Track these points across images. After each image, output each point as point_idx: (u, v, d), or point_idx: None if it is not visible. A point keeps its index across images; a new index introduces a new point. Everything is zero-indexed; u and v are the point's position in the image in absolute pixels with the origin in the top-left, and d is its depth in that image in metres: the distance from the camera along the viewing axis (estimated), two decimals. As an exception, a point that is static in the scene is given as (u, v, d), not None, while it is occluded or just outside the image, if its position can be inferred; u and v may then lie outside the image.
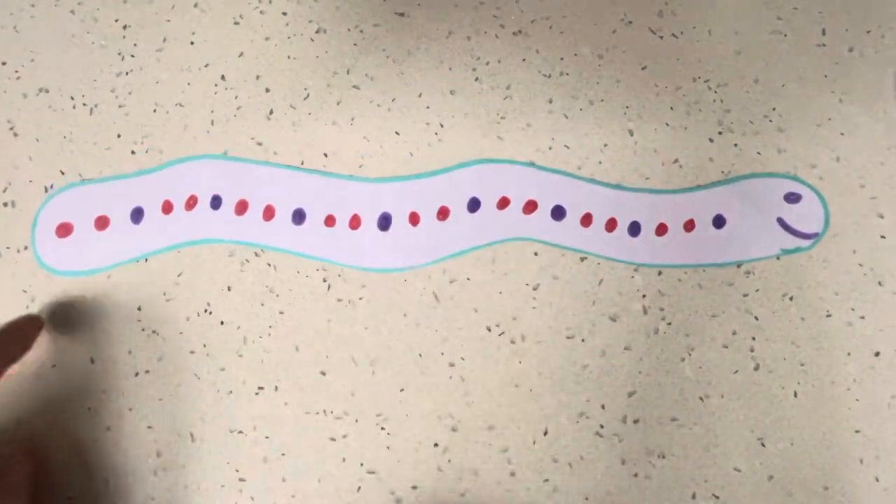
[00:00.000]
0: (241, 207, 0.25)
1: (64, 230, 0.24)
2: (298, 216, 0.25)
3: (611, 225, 0.25)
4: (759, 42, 0.26)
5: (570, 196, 0.25)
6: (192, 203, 0.25)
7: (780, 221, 0.25)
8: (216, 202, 0.25)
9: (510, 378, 0.24)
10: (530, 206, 0.25)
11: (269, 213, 0.25)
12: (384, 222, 0.25)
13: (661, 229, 0.25)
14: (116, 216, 0.25)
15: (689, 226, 0.25)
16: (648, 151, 0.25)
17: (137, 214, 0.25)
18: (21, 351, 0.23)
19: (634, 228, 0.25)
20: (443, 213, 0.25)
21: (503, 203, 0.25)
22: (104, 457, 0.23)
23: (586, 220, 0.25)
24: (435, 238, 0.25)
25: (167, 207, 0.25)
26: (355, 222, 0.25)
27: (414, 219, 0.25)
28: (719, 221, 0.25)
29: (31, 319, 0.24)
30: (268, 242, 0.24)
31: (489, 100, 0.26)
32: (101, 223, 0.25)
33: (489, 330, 0.24)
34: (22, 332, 0.23)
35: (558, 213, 0.25)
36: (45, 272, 0.24)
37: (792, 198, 0.25)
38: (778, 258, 0.25)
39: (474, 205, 0.25)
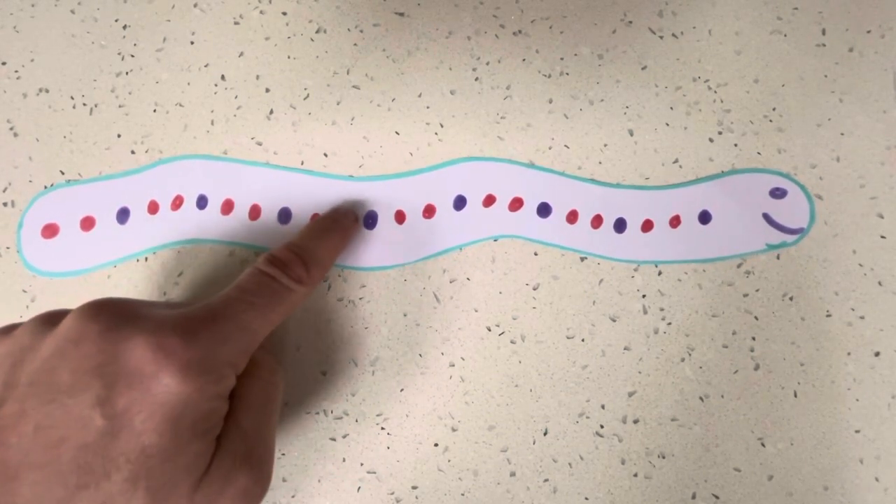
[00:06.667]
0: (227, 207, 0.25)
1: (50, 231, 0.24)
2: (284, 215, 0.25)
3: (596, 221, 0.25)
4: (759, 42, 0.26)
5: (556, 193, 0.25)
6: (178, 203, 0.25)
7: (766, 217, 0.25)
8: (202, 202, 0.25)
9: (510, 378, 0.24)
10: (516, 204, 0.25)
11: (255, 212, 0.25)
12: (370, 221, 0.25)
13: (647, 225, 0.25)
14: (102, 217, 0.24)
15: (675, 222, 0.25)
16: (648, 151, 0.25)
17: (123, 215, 0.25)
18: (345, 243, 0.23)
19: (620, 225, 0.25)
20: (429, 211, 0.25)
21: (489, 200, 0.25)
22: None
23: (572, 216, 0.25)
24: (421, 236, 0.25)
25: (153, 207, 0.25)
26: None
27: (400, 217, 0.25)
28: (705, 217, 0.25)
29: (348, 212, 0.24)
30: (255, 241, 0.24)
31: (489, 100, 0.26)
32: (87, 224, 0.24)
33: (489, 330, 0.24)
34: (344, 220, 0.23)
35: (544, 210, 0.25)
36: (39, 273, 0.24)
37: (777, 193, 0.25)
38: (778, 257, 0.25)
39: (460, 202, 0.25)
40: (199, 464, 0.16)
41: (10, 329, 0.18)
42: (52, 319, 0.17)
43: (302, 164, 0.25)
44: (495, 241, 0.25)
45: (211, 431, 0.17)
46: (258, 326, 0.19)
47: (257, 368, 0.19)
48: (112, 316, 0.17)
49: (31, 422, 0.15)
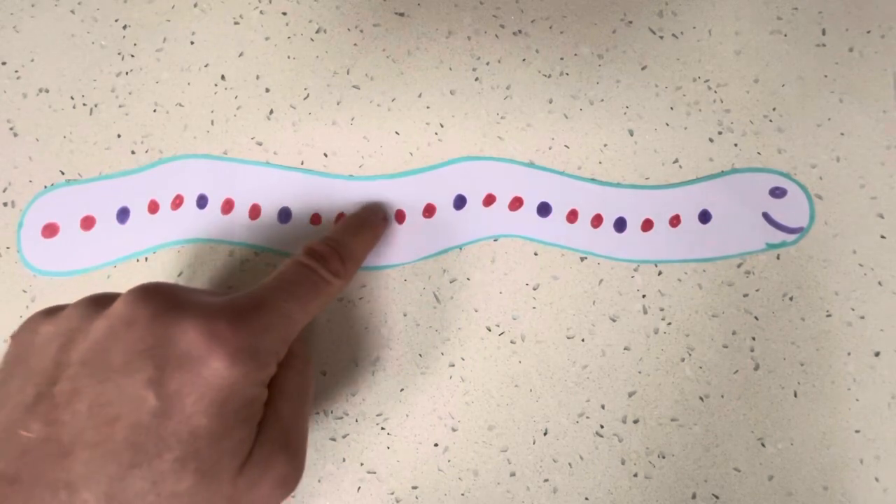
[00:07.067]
0: (227, 207, 0.25)
1: (50, 231, 0.24)
2: (284, 215, 0.25)
3: (596, 221, 0.25)
4: (759, 42, 0.26)
5: (556, 192, 0.25)
6: (178, 203, 0.25)
7: (766, 216, 0.25)
8: (202, 201, 0.25)
9: (510, 378, 0.24)
10: (516, 203, 0.25)
11: (254, 212, 0.25)
12: None
13: (647, 225, 0.25)
14: (102, 216, 0.24)
15: (675, 221, 0.25)
16: (648, 151, 0.25)
17: (123, 214, 0.25)
18: (375, 241, 0.24)
19: (620, 224, 0.25)
20: (428, 211, 0.25)
21: (489, 200, 0.25)
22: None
23: (572, 216, 0.25)
24: (421, 236, 0.25)
25: (153, 207, 0.25)
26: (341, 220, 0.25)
27: (400, 216, 0.25)
28: (705, 216, 0.25)
29: (378, 210, 0.24)
30: (255, 241, 0.24)
31: (489, 100, 0.26)
32: (87, 223, 0.24)
33: (489, 330, 0.24)
34: (374, 218, 0.24)
35: (544, 209, 0.25)
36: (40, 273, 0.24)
37: (777, 192, 0.25)
38: (778, 257, 0.25)
39: (460, 202, 0.25)
40: (243, 449, 0.17)
41: (57, 310, 0.18)
42: (100, 301, 0.18)
43: (302, 164, 0.25)
44: (495, 240, 0.25)
45: (253, 418, 0.17)
46: (299, 316, 0.19)
47: (293, 358, 0.20)
48: (163, 300, 0.17)
49: (85, 400, 0.15)
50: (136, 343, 0.16)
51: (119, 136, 0.25)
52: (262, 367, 0.17)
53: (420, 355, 0.24)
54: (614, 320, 0.24)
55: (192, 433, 0.16)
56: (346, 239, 0.22)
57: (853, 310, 0.24)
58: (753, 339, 0.24)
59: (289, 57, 0.26)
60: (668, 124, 0.25)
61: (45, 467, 0.15)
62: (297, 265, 0.20)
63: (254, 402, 0.17)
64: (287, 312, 0.18)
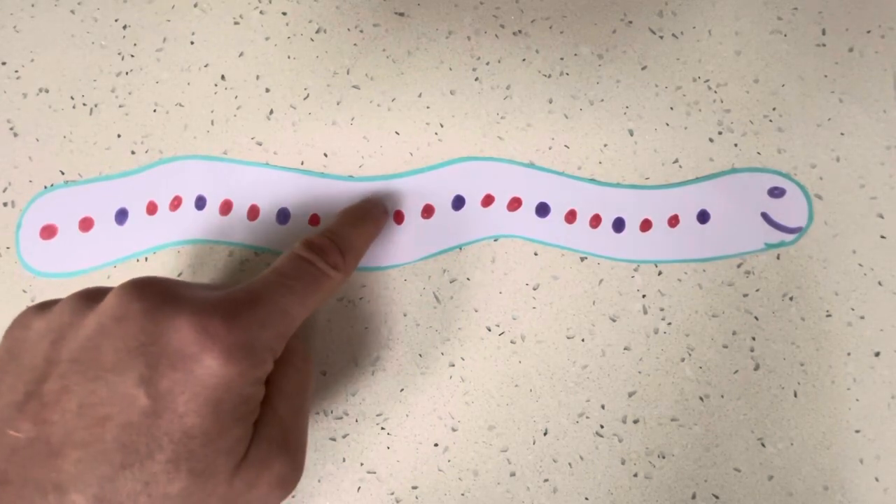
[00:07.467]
0: (226, 207, 0.25)
1: (48, 232, 0.24)
2: (283, 216, 0.25)
3: (595, 221, 0.25)
4: (759, 42, 0.26)
5: (554, 192, 0.25)
6: (176, 204, 0.24)
7: (764, 216, 0.25)
8: (200, 202, 0.25)
9: (510, 378, 0.24)
10: (514, 204, 0.25)
11: (253, 213, 0.25)
12: None
13: (646, 225, 0.25)
14: (100, 218, 0.24)
15: (674, 221, 0.25)
16: (648, 151, 0.25)
17: (122, 216, 0.24)
18: (376, 233, 0.23)
19: (619, 224, 0.25)
20: (427, 212, 0.25)
21: (487, 200, 0.25)
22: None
23: (570, 216, 0.25)
24: (420, 236, 0.25)
25: (151, 208, 0.24)
26: None
27: (399, 217, 0.25)
28: (703, 216, 0.25)
29: (378, 203, 0.24)
30: (253, 242, 0.24)
31: (489, 100, 0.26)
32: (85, 225, 0.24)
33: (489, 330, 0.24)
34: (374, 210, 0.23)
35: (542, 209, 0.25)
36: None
37: (776, 192, 0.25)
38: (778, 257, 0.25)
39: (458, 202, 0.25)
40: (239, 448, 0.16)
41: (49, 305, 0.18)
42: (92, 296, 0.17)
43: (302, 164, 0.25)
44: (495, 240, 0.25)
45: (250, 416, 0.17)
46: (297, 311, 0.18)
47: (291, 355, 0.19)
48: (155, 295, 0.16)
49: (74, 399, 0.15)
50: (128, 340, 0.16)
51: (119, 136, 0.25)
52: (257, 364, 0.17)
53: (420, 355, 0.24)
54: (614, 320, 0.24)
55: (184, 433, 0.15)
56: (346, 231, 0.21)
57: (853, 310, 0.24)
58: (753, 339, 0.24)
59: (289, 57, 0.26)
60: (668, 124, 0.25)
61: (34, 468, 0.15)
62: (294, 258, 0.19)
63: (249, 400, 0.17)
64: (284, 307, 0.18)
